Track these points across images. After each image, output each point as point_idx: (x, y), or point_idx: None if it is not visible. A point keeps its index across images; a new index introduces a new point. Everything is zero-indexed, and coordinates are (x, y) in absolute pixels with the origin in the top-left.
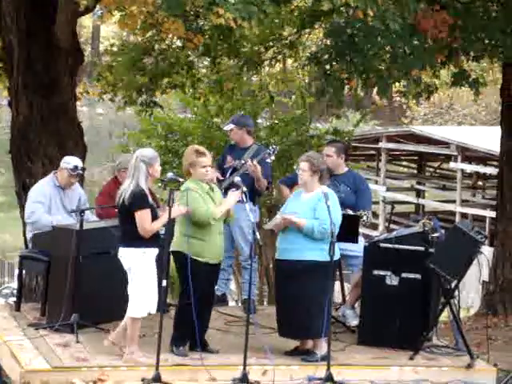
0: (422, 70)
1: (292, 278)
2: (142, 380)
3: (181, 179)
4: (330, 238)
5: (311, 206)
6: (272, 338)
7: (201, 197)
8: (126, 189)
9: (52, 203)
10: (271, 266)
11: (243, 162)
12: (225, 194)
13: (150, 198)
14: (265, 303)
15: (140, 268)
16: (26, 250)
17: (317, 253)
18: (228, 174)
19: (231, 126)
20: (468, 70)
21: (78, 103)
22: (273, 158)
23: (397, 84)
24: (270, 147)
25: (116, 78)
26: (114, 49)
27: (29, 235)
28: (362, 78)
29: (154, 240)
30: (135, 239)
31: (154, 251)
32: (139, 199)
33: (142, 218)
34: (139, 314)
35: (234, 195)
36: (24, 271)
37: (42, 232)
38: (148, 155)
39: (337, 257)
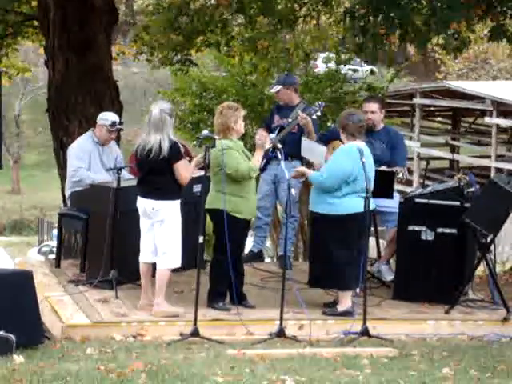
0: (460, 23)
1: (313, 228)
2: (181, 335)
3: (216, 136)
4: (344, 191)
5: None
6: (308, 293)
7: (239, 154)
8: (155, 142)
9: (91, 159)
10: (306, 222)
11: (290, 120)
12: (272, 152)
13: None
14: (300, 259)
15: (175, 220)
16: (65, 208)
17: (322, 206)
18: (276, 133)
19: (278, 87)
20: (505, 24)
21: (112, 62)
22: (319, 113)
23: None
24: (316, 103)
25: (152, 39)
26: (150, 8)
27: (67, 193)
28: (400, 33)
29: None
30: (171, 191)
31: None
32: (178, 150)
33: (184, 167)
34: (175, 264)
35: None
36: (63, 228)
37: (80, 190)
38: (169, 107)
39: (372, 207)
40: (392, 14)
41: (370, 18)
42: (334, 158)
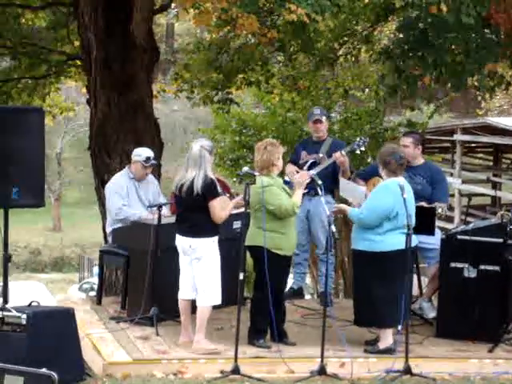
0: (496, 63)
1: (354, 266)
2: (221, 372)
3: (256, 173)
4: (384, 228)
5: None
6: (349, 331)
7: (280, 191)
8: (189, 179)
9: (129, 195)
10: (346, 259)
11: (321, 155)
12: (305, 187)
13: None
14: (340, 296)
15: (213, 257)
16: (106, 245)
17: (363, 243)
18: (306, 168)
19: (324, 117)
20: None
21: (153, 100)
22: (363, 149)
23: (470, 77)
24: (359, 138)
25: (193, 76)
26: (190, 47)
27: (108, 230)
28: (435, 74)
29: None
30: (208, 228)
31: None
32: (213, 188)
33: (218, 205)
34: (215, 301)
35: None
36: (104, 265)
37: (121, 227)
38: (209, 144)
39: (414, 243)
40: (427, 55)
41: (405, 58)
42: (373, 195)
